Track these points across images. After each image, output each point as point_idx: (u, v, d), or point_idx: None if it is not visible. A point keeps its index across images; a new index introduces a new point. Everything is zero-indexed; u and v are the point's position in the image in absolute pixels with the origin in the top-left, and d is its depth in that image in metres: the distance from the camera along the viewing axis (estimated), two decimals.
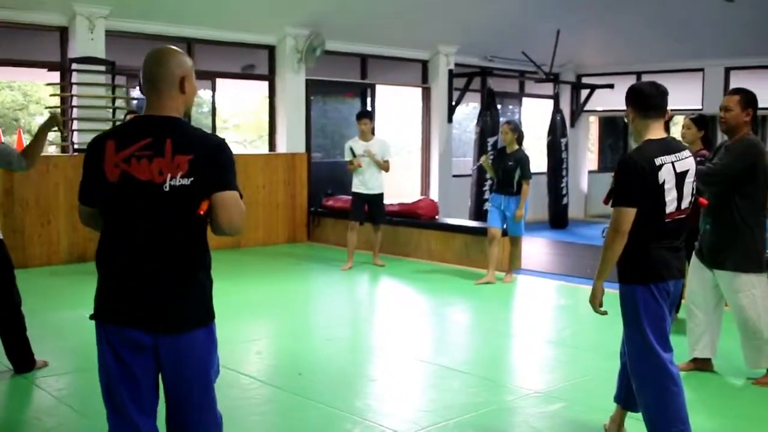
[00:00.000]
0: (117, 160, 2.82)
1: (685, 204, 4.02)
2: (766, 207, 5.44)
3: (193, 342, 2.92)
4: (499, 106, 14.57)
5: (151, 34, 10.24)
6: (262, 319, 7.61)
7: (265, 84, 12.25)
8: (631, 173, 3.91)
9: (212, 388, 3.03)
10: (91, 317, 2.97)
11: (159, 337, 2.87)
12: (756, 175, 5.28)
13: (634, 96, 4.06)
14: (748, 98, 5.36)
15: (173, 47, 3.04)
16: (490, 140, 13.27)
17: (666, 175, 3.89)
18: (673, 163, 3.93)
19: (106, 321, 2.90)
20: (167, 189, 2.80)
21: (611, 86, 15.11)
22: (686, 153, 4.04)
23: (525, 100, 16.31)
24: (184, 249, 2.88)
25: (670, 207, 3.94)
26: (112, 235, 2.90)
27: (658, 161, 3.89)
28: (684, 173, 3.98)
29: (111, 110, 10.21)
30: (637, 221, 3.94)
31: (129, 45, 10.24)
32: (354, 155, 9.80)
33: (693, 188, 4.07)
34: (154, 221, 2.84)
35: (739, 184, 5.28)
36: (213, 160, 2.87)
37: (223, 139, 2.99)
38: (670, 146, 3.99)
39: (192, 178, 2.82)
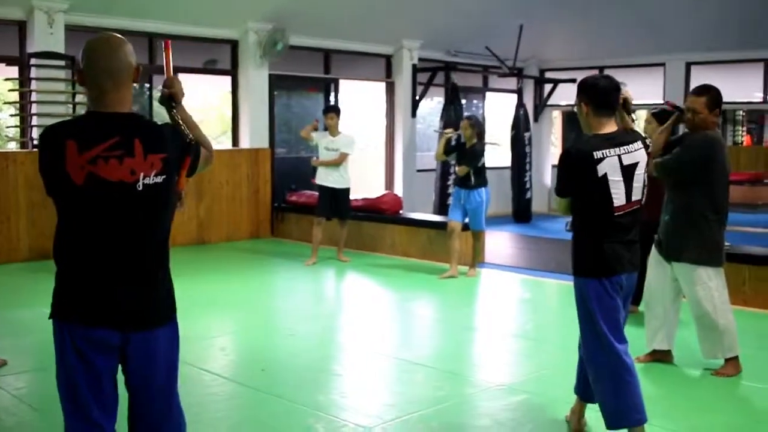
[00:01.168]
0: (82, 162, 2.72)
1: (635, 196, 4.05)
2: (727, 201, 5.50)
3: (163, 336, 2.94)
4: (463, 101, 14.61)
5: (111, 28, 10.08)
6: (225, 316, 7.57)
7: (227, 79, 12.18)
8: (567, 166, 4.04)
9: (177, 383, 3.05)
10: (52, 317, 2.89)
11: (130, 335, 2.85)
12: (713, 170, 5.32)
13: (589, 91, 4.07)
14: (714, 99, 5.38)
15: (115, 34, 2.96)
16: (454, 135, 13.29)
17: (608, 168, 3.93)
18: (619, 155, 3.97)
19: (71, 321, 2.83)
20: (140, 188, 2.79)
21: (574, 81, 15.18)
22: (637, 145, 4.07)
23: (489, 94, 16.36)
24: (155, 246, 2.90)
25: (619, 200, 3.99)
26: (78, 234, 2.82)
27: (598, 154, 3.93)
28: (633, 165, 4.02)
29: (71, 105, 10.10)
30: (587, 214, 4.03)
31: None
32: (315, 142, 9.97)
33: (645, 180, 4.11)
34: (126, 220, 2.81)
35: (695, 177, 5.33)
36: (182, 153, 2.94)
37: (173, 126, 3.03)
38: (617, 139, 4.02)
39: (164, 176, 2.84)
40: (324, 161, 9.82)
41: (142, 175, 2.78)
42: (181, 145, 2.94)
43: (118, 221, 2.80)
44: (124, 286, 2.83)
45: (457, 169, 9.13)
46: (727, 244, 6.66)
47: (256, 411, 4.93)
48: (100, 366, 2.85)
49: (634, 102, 4.39)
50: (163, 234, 2.93)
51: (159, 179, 2.82)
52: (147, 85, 11.41)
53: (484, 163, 9.04)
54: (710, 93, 5.41)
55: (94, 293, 2.81)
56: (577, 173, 3.97)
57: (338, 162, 9.75)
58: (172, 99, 3.11)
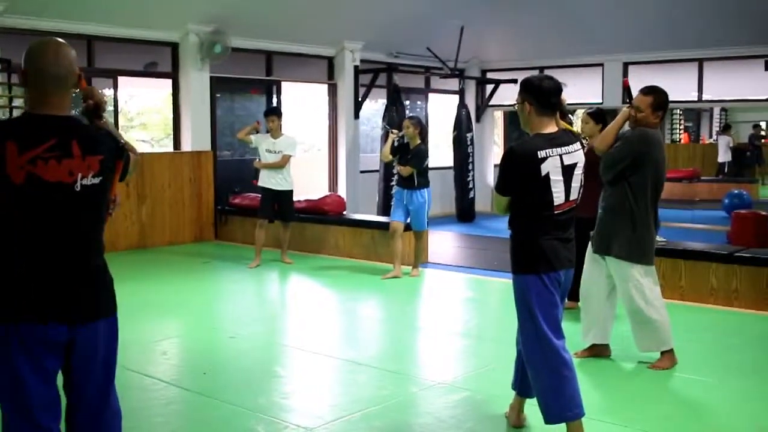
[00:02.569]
0: (22, 163, 2.77)
1: (573, 196, 4.12)
2: (658, 198, 5.61)
3: (105, 328, 3.00)
4: (406, 102, 14.66)
5: (48, 31, 9.95)
6: (167, 320, 7.52)
7: (169, 81, 12.07)
8: (510, 165, 4.06)
9: (114, 376, 3.12)
10: None
11: (77, 328, 2.90)
12: (646, 166, 5.43)
13: (533, 91, 4.10)
14: (659, 100, 5.49)
15: (60, 39, 3.00)
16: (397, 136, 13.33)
17: (550, 168, 3.99)
18: (560, 156, 4.02)
19: (18, 320, 2.83)
20: (78, 189, 2.86)
21: (515, 81, 15.32)
22: (576, 146, 4.14)
23: (431, 95, 16.42)
24: (94, 243, 2.98)
25: (558, 199, 4.04)
26: (19, 233, 2.85)
27: (541, 154, 3.98)
28: (572, 166, 4.08)
29: (8, 109, 9.93)
30: (526, 213, 4.09)
31: (26, 43, 9.94)
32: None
33: (582, 180, 4.18)
34: (65, 220, 2.88)
35: (630, 173, 5.43)
36: (116, 156, 3.02)
37: (106, 129, 3.08)
38: (558, 140, 4.08)
39: (101, 177, 2.93)
40: (267, 164, 9.80)
41: (80, 176, 2.86)
42: (115, 149, 3.02)
43: (58, 221, 2.87)
44: (67, 282, 2.89)
45: (400, 169, 9.16)
46: (663, 239, 6.82)
47: (196, 415, 4.91)
48: (48, 365, 2.90)
49: (574, 102, 4.47)
50: (100, 232, 3.02)
51: (96, 180, 2.91)
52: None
53: (427, 164, 9.11)
54: (656, 94, 5.52)
55: (40, 290, 2.85)
56: (521, 172, 4.00)
57: (282, 164, 9.74)
58: (96, 109, 3.14)
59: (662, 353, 5.67)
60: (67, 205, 2.87)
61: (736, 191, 14.80)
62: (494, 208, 4.28)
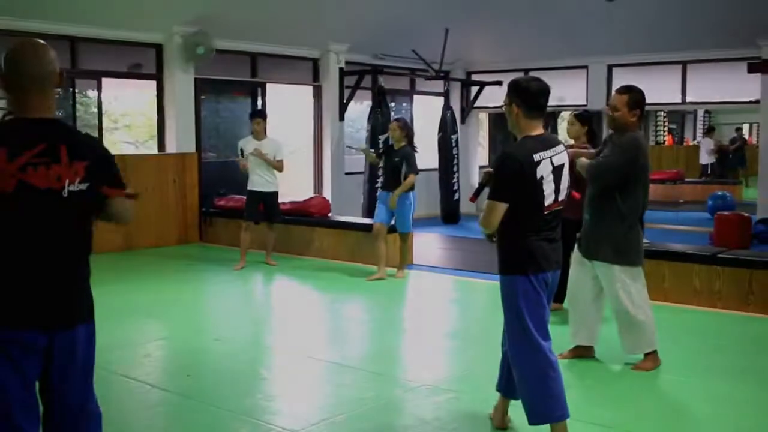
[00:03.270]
0: (12, 170, 2.74)
1: (561, 196, 4.14)
2: (646, 202, 5.63)
3: (83, 334, 2.98)
4: (391, 104, 14.67)
5: (32, 32, 9.91)
6: (152, 322, 7.49)
7: (153, 83, 12.03)
8: (510, 170, 4.01)
9: (93, 381, 3.11)
10: None
11: (55, 334, 2.88)
12: (635, 170, 5.45)
13: (521, 93, 4.10)
14: (635, 99, 5.49)
15: (38, 40, 2.99)
16: (381, 137, 13.34)
17: (544, 171, 4.00)
18: (551, 158, 4.04)
19: (13, 325, 2.83)
20: (66, 195, 2.84)
21: (500, 83, 15.37)
22: (561, 147, 4.16)
23: (416, 97, 16.45)
24: (79, 250, 2.97)
25: (548, 200, 4.05)
26: (5, 239, 2.83)
27: (537, 157, 3.99)
28: (560, 167, 4.10)
29: None
30: (517, 214, 4.05)
31: (8, 44, 9.88)
32: (242, 155, 9.79)
33: (568, 181, 4.19)
34: (53, 226, 2.86)
35: (622, 179, 5.45)
36: (106, 167, 3.00)
37: (92, 137, 3.11)
38: (546, 142, 4.10)
39: (88, 183, 2.90)
40: (266, 158, 9.68)
41: (67, 182, 2.85)
42: (99, 156, 2.99)
43: (45, 227, 2.85)
44: (51, 288, 2.88)
45: (405, 184, 8.93)
46: (647, 241, 6.84)
47: (181, 417, 4.90)
48: (29, 370, 2.88)
49: (559, 104, 4.48)
50: (87, 238, 3.00)
51: (83, 186, 2.89)
52: (71, 89, 11.18)
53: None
54: (632, 92, 5.53)
55: (22, 296, 2.84)
56: (522, 177, 3.98)
57: (279, 168, 9.73)
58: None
59: (646, 354, 5.70)
60: (55, 212, 2.85)
61: (719, 193, 14.88)
62: (484, 223, 4.09)
